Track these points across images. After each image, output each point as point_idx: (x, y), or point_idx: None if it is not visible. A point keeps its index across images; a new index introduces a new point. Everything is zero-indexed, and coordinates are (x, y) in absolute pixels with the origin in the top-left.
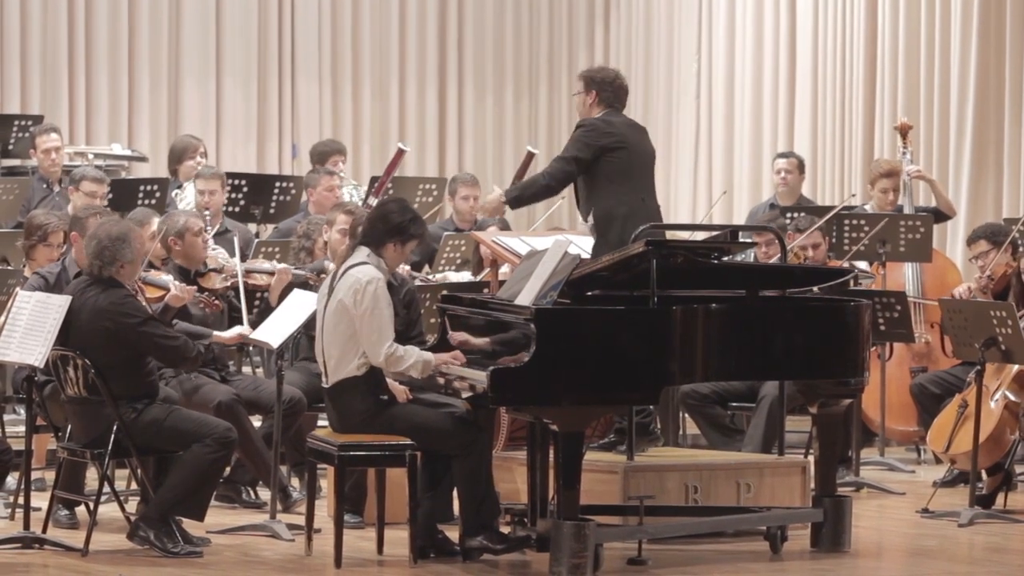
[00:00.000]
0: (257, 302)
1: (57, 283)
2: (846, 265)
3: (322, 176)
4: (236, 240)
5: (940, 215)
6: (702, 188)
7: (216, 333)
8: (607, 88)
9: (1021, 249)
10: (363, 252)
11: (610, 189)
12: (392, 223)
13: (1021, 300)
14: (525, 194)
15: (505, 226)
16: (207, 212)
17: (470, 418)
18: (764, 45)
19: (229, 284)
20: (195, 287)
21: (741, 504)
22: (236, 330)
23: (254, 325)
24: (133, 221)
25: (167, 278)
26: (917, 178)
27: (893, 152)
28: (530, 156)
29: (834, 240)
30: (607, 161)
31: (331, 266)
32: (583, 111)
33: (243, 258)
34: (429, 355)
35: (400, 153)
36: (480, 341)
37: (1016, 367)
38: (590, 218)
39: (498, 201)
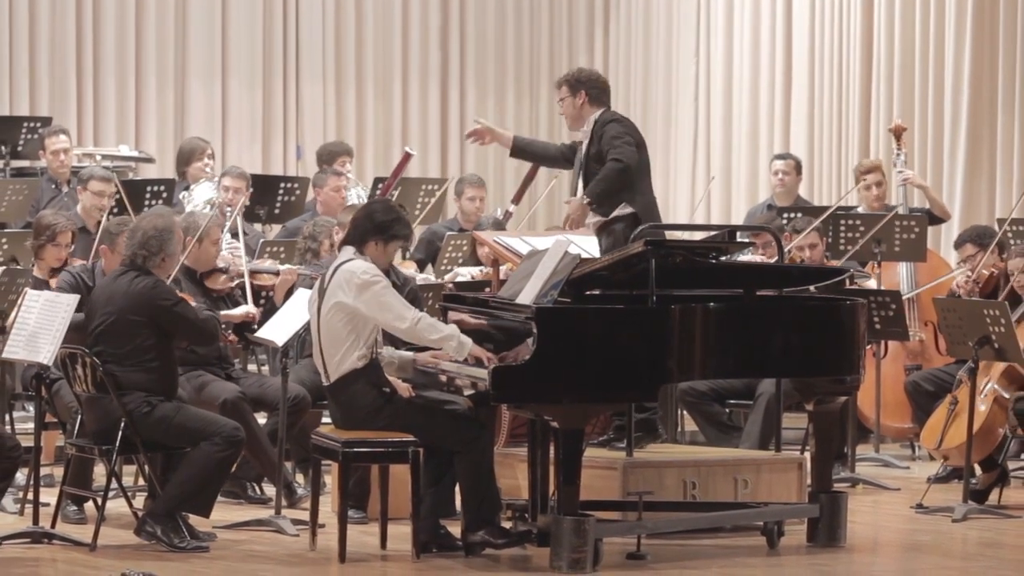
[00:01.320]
0: (262, 301)
1: (86, 288)
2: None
3: (330, 176)
4: (242, 240)
5: (934, 218)
6: (700, 189)
7: (224, 312)
8: (594, 86)
9: (1013, 248)
10: (348, 251)
11: (644, 184)
12: (375, 222)
13: (1011, 300)
14: (606, 187)
15: (500, 227)
16: (229, 208)
17: (472, 415)
18: (761, 48)
19: (235, 284)
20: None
21: (738, 500)
22: (243, 308)
23: (259, 324)
24: (172, 224)
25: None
26: (911, 185)
27: (888, 153)
28: None
29: (830, 240)
30: (639, 156)
31: None
32: (573, 113)
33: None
34: (467, 339)
35: (407, 157)
36: (474, 322)
37: (1004, 362)
38: (623, 208)
39: (580, 206)
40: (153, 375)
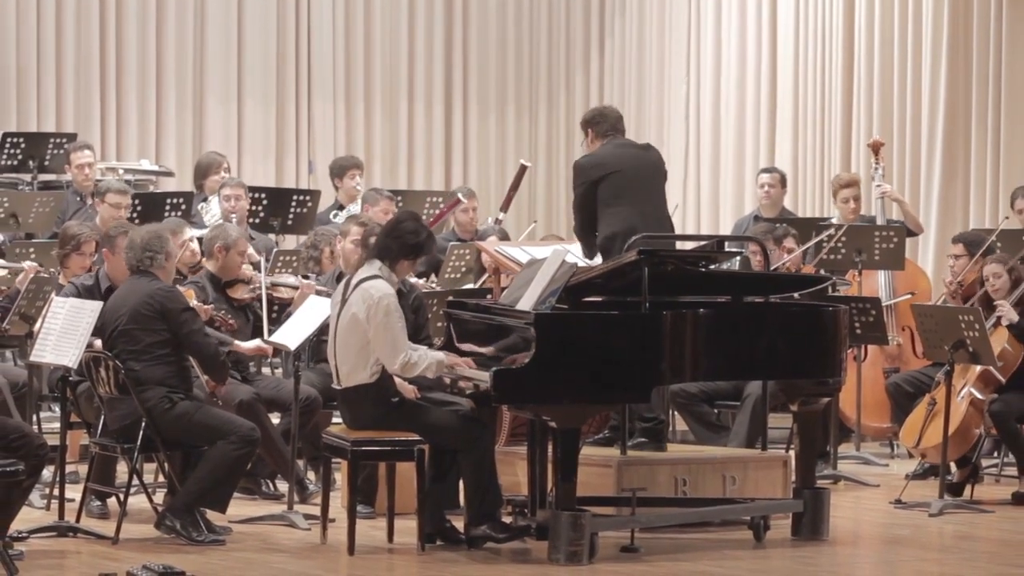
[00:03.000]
0: (274, 313)
1: (89, 294)
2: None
3: (383, 199)
4: (263, 260)
5: (909, 231)
6: (691, 201)
7: (236, 343)
8: (599, 122)
9: (990, 256)
10: (375, 265)
11: (606, 213)
12: (408, 243)
13: (984, 306)
14: (584, 247)
15: (505, 236)
16: (234, 216)
17: (474, 416)
18: (747, 68)
19: (255, 296)
20: (212, 307)
21: (727, 496)
22: (255, 342)
23: (273, 331)
24: (167, 229)
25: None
26: (888, 198)
27: (867, 167)
28: (523, 169)
29: (812, 248)
30: (600, 190)
31: None
32: (589, 151)
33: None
34: (440, 355)
35: (456, 201)
36: (486, 350)
37: (981, 366)
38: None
39: None
40: (171, 368)
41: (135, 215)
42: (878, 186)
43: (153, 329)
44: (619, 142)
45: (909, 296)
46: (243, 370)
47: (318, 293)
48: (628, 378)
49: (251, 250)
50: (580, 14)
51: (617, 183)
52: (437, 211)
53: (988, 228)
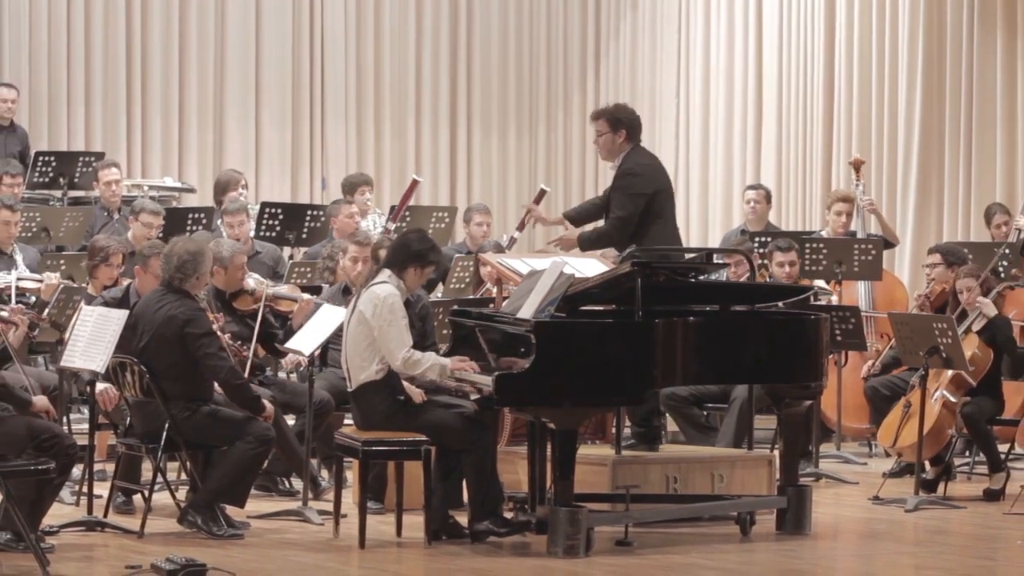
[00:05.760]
0: (289, 320)
1: (118, 307)
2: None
3: (343, 206)
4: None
5: (887, 243)
6: (680, 216)
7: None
8: (632, 125)
9: (962, 268)
10: (385, 273)
11: (654, 229)
12: (413, 251)
13: (958, 317)
14: (594, 243)
15: (500, 249)
16: (239, 242)
17: (477, 417)
18: (734, 89)
19: (258, 307)
20: (229, 335)
21: (715, 493)
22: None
23: (282, 341)
24: (207, 243)
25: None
26: (869, 210)
27: (848, 184)
28: (542, 193)
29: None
30: (651, 204)
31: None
32: (611, 149)
33: (275, 276)
34: (445, 360)
35: (415, 183)
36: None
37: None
38: (631, 248)
39: (572, 239)
40: (190, 384)
41: (160, 234)
42: (864, 197)
43: (173, 350)
44: (651, 155)
45: (884, 315)
46: (259, 374)
47: (316, 305)
48: (622, 382)
49: (256, 277)
50: (577, 39)
51: (663, 200)
52: (442, 219)
53: (960, 240)
